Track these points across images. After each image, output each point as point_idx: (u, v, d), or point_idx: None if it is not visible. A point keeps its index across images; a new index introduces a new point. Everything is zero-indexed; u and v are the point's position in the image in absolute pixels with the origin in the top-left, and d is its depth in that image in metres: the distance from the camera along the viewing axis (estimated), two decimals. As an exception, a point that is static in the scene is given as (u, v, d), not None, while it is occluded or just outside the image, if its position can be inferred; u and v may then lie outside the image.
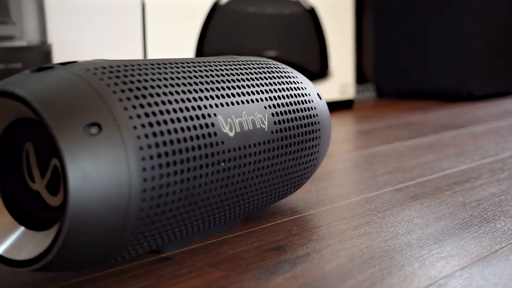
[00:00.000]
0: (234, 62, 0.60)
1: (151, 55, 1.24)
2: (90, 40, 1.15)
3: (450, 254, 0.52)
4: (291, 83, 0.62)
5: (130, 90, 0.46)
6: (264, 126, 0.56)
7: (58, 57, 1.11)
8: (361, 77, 2.03)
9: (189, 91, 0.51)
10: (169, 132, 0.47)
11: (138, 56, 1.22)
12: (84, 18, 1.14)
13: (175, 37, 1.31)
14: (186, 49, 1.33)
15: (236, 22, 1.44)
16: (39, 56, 1.10)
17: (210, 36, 1.37)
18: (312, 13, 1.59)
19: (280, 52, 1.52)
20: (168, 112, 0.47)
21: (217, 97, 0.53)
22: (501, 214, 0.62)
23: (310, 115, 0.62)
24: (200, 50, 1.35)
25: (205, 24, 1.36)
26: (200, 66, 0.55)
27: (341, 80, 1.69)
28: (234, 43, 1.43)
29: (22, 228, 0.46)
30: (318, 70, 1.62)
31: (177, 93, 0.49)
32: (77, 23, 1.14)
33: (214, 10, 1.38)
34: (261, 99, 0.57)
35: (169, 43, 1.29)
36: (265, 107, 0.57)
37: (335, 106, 1.65)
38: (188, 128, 0.48)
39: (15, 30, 1.07)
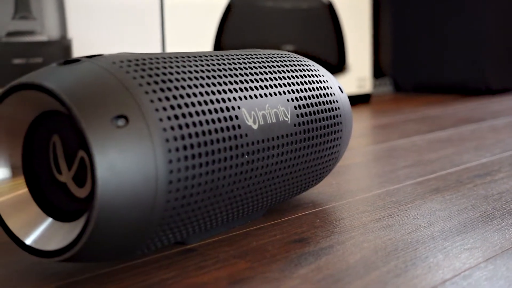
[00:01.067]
0: (257, 55, 0.60)
1: (169, 50, 1.24)
2: (110, 35, 1.16)
3: (474, 246, 0.52)
4: (313, 76, 0.62)
5: (156, 82, 0.47)
6: (287, 119, 0.56)
7: (78, 52, 1.12)
8: (378, 71, 2.03)
9: (213, 84, 0.51)
10: (194, 124, 0.47)
11: (157, 50, 1.23)
12: (104, 14, 1.15)
13: (193, 31, 1.31)
14: (204, 44, 1.33)
15: (254, 17, 1.44)
16: (59, 51, 1.10)
17: (228, 31, 1.37)
18: (330, 7, 1.59)
19: (297, 46, 1.52)
20: (193, 104, 0.48)
21: (241, 90, 0.53)
22: (524, 207, 0.63)
23: (332, 108, 0.62)
24: (218, 45, 1.35)
25: (223, 19, 1.36)
26: (223, 59, 0.55)
27: (358, 74, 1.68)
28: (251, 38, 1.43)
29: (49, 219, 0.47)
30: (336, 64, 1.62)
31: (202, 85, 0.50)
32: (97, 19, 1.14)
33: (231, 5, 1.38)
34: (284, 92, 0.57)
35: (187, 37, 1.29)
36: (288, 100, 0.57)
37: (352, 101, 1.65)
38: (213, 121, 0.49)
39: (36, 25, 1.08)
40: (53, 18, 1.10)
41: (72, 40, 1.11)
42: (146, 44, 1.21)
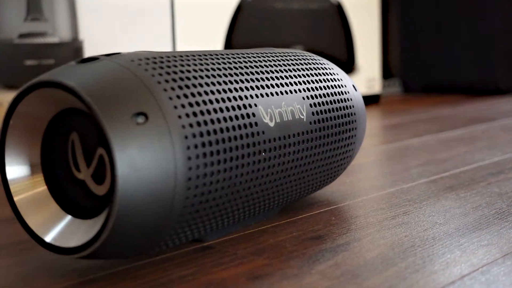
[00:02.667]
0: (272, 53, 0.60)
1: (180, 49, 1.25)
2: (121, 35, 1.16)
3: (490, 242, 0.52)
4: (328, 75, 0.62)
5: (174, 80, 0.47)
6: (302, 117, 0.56)
7: (89, 53, 1.12)
8: (387, 72, 2.03)
9: (230, 82, 0.51)
10: (212, 121, 0.47)
11: (168, 50, 1.23)
12: (114, 15, 1.16)
13: (203, 32, 1.32)
14: (214, 44, 1.33)
15: (264, 17, 1.44)
16: (71, 52, 1.11)
17: (238, 31, 1.37)
18: (339, 8, 1.59)
19: (307, 46, 1.53)
20: (211, 102, 0.48)
21: (257, 87, 0.53)
22: (539, 204, 0.63)
23: (346, 106, 0.62)
24: (229, 45, 1.35)
25: (233, 19, 1.37)
26: (239, 58, 0.56)
27: (367, 75, 1.68)
28: (261, 38, 1.44)
29: (69, 217, 0.47)
30: (345, 65, 1.62)
31: (219, 83, 0.50)
32: (108, 20, 1.15)
33: (241, 6, 1.38)
34: (299, 90, 0.57)
35: (197, 38, 1.30)
36: (303, 98, 0.57)
37: (362, 101, 1.65)
38: (231, 118, 0.49)
39: (48, 26, 1.08)
40: (64, 20, 1.10)
41: (83, 42, 1.12)
42: (157, 43, 1.21)
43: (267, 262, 0.49)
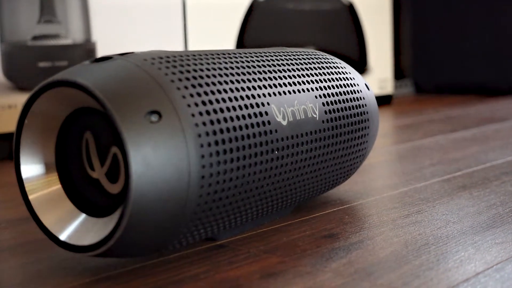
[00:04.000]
0: (285, 53, 0.60)
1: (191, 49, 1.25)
2: (132, 37, 1.17)
3: (504, 240, 0.51)
4: (340, 73, 0.62)
5: (187, 79, 0.47)
6: (315, 116, 0.56)
7: (102, 54, 1.13)
8: (399, 73, 2.02)
9: (243, 81, 0.51)
10: (225, 120, 0.47)
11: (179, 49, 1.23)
12: (126, 16, 1.16)
13: (215, 32, 1.32)
14: (226, 43, 1.34)
15: (276, 18, 1.45)
16: (84, 53, 1.11)
17: (250, 31, 1.38)
18: (351, 9, 1.59)
19: (318, 47, 1.53)
20: (223, 100, 0.48)
21: (270, 86, 0.53)
22: (553, 203, 0.62)
23: (359, 105, 0.62)
24: (241, 45, 1.35)
25: (245, 20, 1.37)
26: (252, 57, 0.56)
27: (379, 75, 1.68)
28: (273, 38, 1.44)
29: (83, 215, 0.48)
30: (357, 65, 1.62)
31: (232, 82, 0.50)
32: (120, 21, 1.15)
33: (253, 6, 1.38)
34: (312, 89, 0.57)
35: (209, 39, 1.30)
36: (316, 97, 0.57)
37: (374, 102, 1.65)
38: (243, 117, 0.49)
39: (61, 28, 1.09)
40: (77, 22, 1.11)
41: (96, 43, 1.12)
42: (169, 43, 1.22)
43: (281, 260, 0.49)
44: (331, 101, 0.59)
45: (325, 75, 0.60)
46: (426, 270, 0.46)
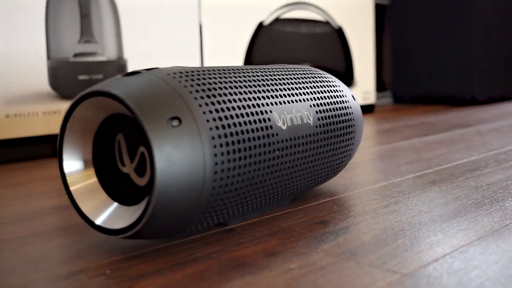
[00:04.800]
0: (284, 69, 0.60)
1: (206, 64, 1.25)
2: (157, 55, 1.17)
3: (468, 227, 0.51)
4: (331, 86, 0.62)
5: (203, 90, 0.47)
6: (310, 121, 0.56)
7: (131, 69, 1.13)
8: (380, 86, 2.02)
9: (250, 92, 0.51)
10: (234, 125, 0.47)
11: (197, 64, 1.24)
12: (152, 37, 1.16)
13: (227, 51, 1.32)
14: (236, 59, 1.34)
15: (277, 39, 1.45)
16: (116, 68, 1.12)
17: (256, 51, 1.38)
18: (339, 32, 1.59)
19: (313, 63, 1.53)
20: (233, 108, 0.48)
21: (272, 97, 0.53)
22: (509, 196, 0.62)
23: (346, 113, 0.62)
24: (248, 60, 1.36)
25: (252, 41, 1.37)
26: (257, 72, 0.56)
27: (364, 88, 1.68)
28: (275, 56, 1.44)
29: (115, 204, 0.48)
30: (345, 79, 1.62)
31: (240, 93, 0.50)
32: (147, 42, 1.15)
33: (259, 29, 1.38)
34: (307, 99, 0.57)
35: (222, 56, 1.30)
36: (311, 106, 0.57)
37: (359, 110, 1.64)
38: (250, 122, 0.49)
39: (98, 47, 1.09)
40: (111, 42, 1.11)
41: (127, 60, 1.13)
42: (187, 60, 1.22)
43: (280, 242, 0.49)
44: (323, 110, 0.59)
45: (318, 87, 0.60)
46: (402, 251, 0.45)
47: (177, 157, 0.42)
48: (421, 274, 0.41)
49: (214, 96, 0.47)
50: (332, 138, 0.60)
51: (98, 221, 0.47)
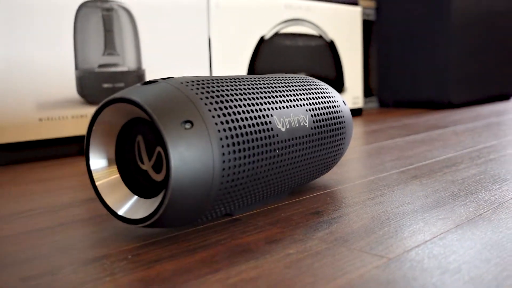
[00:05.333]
0: (283, 77, 0.60)
1: (215, 73, 1.25)
2: (171, 66, 1.17)
3: (446, 216, 0.51)
4: (324, 93, 0.62)
5: (212, 97, 0.47)
6: (306, 124, 0.56)
7: (149, 79, 1.13)
8: (368, 91, 2.01)
9: (253, 98, 0.51)
10: (240, 127, 0.47)
11: (206, 73, 1.23)
12: (167, 51, 1.16)
13: (232, 62, 1.32)
14: (240, 68, 1.33)
15: (277, 51, 1.44)
16: (136, 78, 1.11)
17: (258, 61, 1.38)
18: (331, 45, 1.59)
19: (308, 73, 1.52)
20: (239, 113, 0.48)
21: (273, 102, 0.53)
22: (482, 188, 0.62)
23: (338, 116, 0.62)
24: (251, 71, 1.35)
25: (254, 53, 1.37)
26: (259, 80, 0.56)
27: (353, 93, 1.67)
28: (275, 66, 1.44)
29: (135, 197, 0.48)
30: (336, 86, 1.61)
31: (245, 99, 0.50)
32: (163, 54, 1.15)
33: (261, 43, 1.38)
34: (304, 104, 0.57)
35: (228, 66, 1.30)
36: (307, 110, 0.57)
37: (349, 113, 1.64)
38: (253, 125, 0.49)
39: (119, 59, 1.09)
40: (131, 54, 1.11)
41: (145, 70, 1.12)
42: (198, 70, 1.22)
43: (280, 230, 0.49)
44: (317, 113, 0.58)
45: (313, 94, 0.60)
46: (388, 238, 0.45)
47: (189, 156, 0.42)
48: (405, 258, 0.41)
49: (222, 102, 0.47)
50: (325, 139, 0.59)
51: (121, 212, 0.47)
